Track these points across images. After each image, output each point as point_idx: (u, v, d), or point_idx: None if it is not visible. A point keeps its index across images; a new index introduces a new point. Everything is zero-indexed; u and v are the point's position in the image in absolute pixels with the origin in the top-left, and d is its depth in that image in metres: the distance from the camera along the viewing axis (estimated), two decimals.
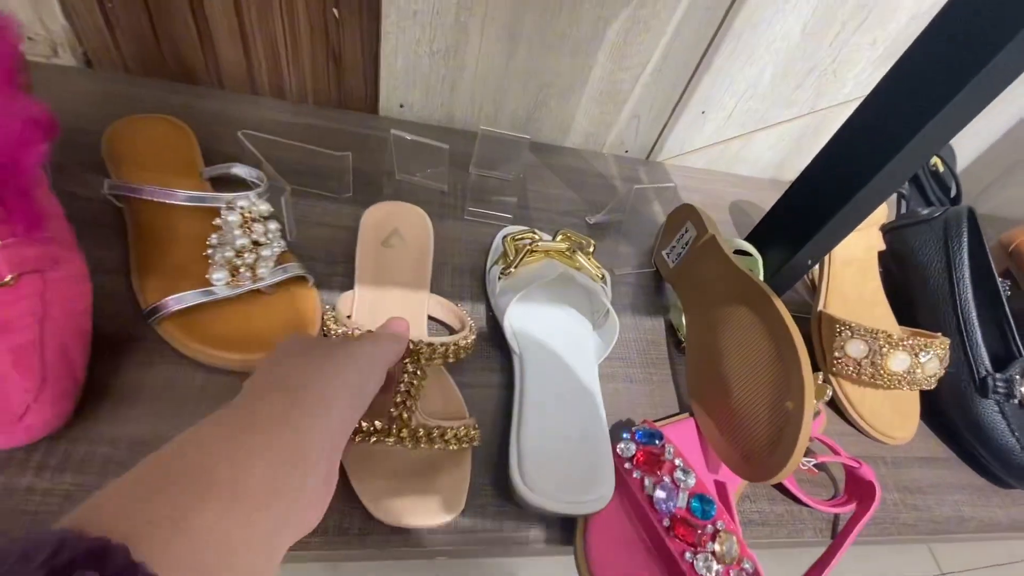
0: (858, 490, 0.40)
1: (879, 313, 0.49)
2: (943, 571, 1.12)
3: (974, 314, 0.47)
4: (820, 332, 0.48)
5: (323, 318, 0.38)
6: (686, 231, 0.49)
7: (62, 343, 0.30)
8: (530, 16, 0.53)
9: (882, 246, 0.53)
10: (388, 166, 0.54)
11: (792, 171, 0.75)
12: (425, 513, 0.31)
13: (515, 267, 0.43)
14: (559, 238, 0.46)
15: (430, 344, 0.34)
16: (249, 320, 0.37)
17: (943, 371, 0.45)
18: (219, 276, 0.36)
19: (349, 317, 0.39)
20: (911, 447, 0.48)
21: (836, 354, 0.46)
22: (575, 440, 0.36)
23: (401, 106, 0.61)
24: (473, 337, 0.37)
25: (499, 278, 0.44)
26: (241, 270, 0.37)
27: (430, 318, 0.42)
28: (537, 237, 0.46)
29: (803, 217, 0.45)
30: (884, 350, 0.44)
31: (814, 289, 0.53)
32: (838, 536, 0.39)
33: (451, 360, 0.35)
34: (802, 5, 0.56)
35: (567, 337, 0.43)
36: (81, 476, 0.30)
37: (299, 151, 0.47)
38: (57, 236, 0.32)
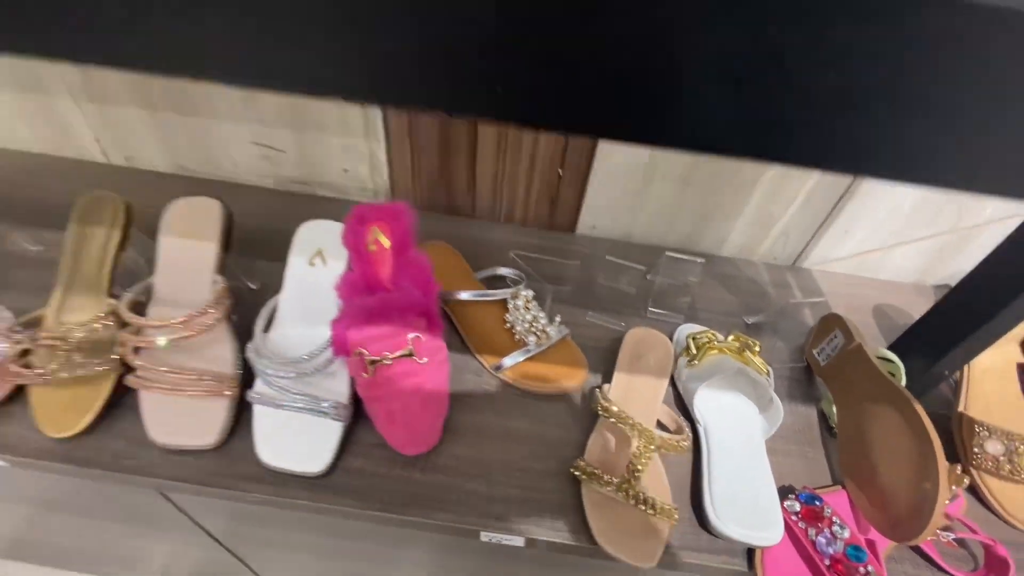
0: (995, 565, 0.49)
1: (1017, 417, 0.57)
2: None
3: None
4: (961, 430, 0.58)
5: (597, 394, 0.56)
6: (835, 336, 0.62)
7: (442, 392, 0.52)
8: (701, 169, 0.72)
9: (1020, 358, 0.61)
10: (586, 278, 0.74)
11: (934, 277, 0.83)
12: (632, 555, 0.47)
13: (699, 360, 0.60)
14: (731, 338, 0.62)
15: (661, 436, 0.51)
16: (550, 362, 0.58)
17: None
18: (531, 340, 0.57)
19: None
20: None
21: (975, 450, 0.55)
22: (751, 491, 0.51)
23: (593, 227, 0.82)
24: (688, 443, 0.53)
25: (685, 367, 0.60)
26: (538, 335, 0.59)
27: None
28: (713, 336, 0.62)
29: (947, 330, 0.56)
30: (1021, 449, 0.53)
31: (957, 390, 0.62)
32: None
33: (665, 451, 0.52)
34: None
35: (739, 416, 0.58)
36: (439, 475, 0.51)
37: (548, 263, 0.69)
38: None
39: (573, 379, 0.59)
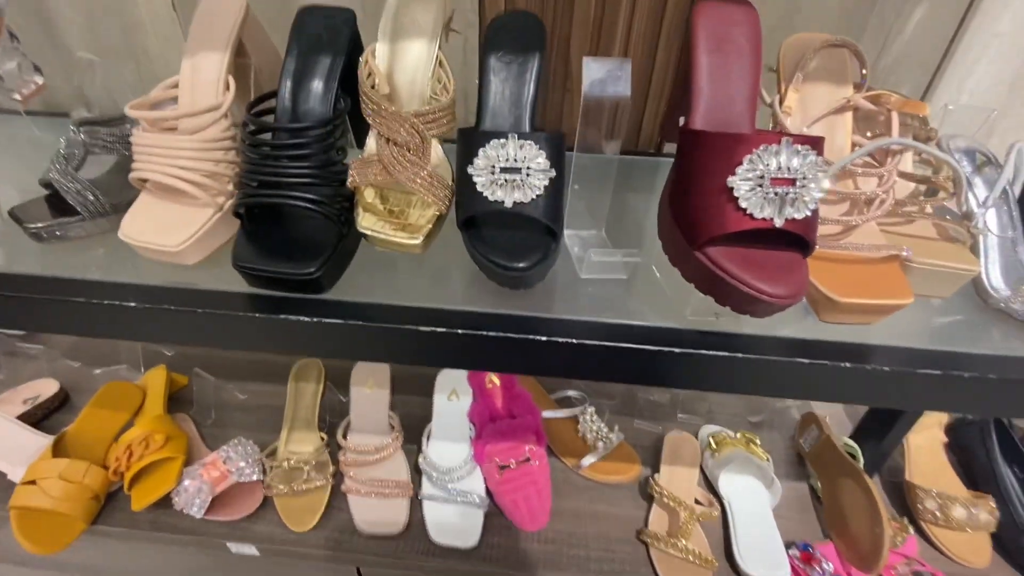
0: None
1: (947, 480, 0.82)
2: None
3: (1008, 481, 0.78)
4: (909, 493, 0.82)
5: (652, 482, 0.82)
6: (813, 430, 0.88)
7: (548, 485, 0.78)
8: None
9: (943, 439, 0.86)
10: None
11: None
12: None
13: (719, 453, 0.86)
14: (738, 435, 0.88)
15: (701, 510, 0.76)
16: (614, 460, 0.83)
17: (995, 521, 0.76)
18: (600, 445, 0.83)
19: None
20: (986, 571, 0.76)
21: (919, 507, 0.79)
22: (766, 544, 0.74)
23: None
24: (717, 513, 0.78)
25: (710, 459, 0.86)
26: (604, 441, 0.85)
27: None
28: (728, 435, 0.88)
29: (881, 422, 0.82)
30: (948, 504, 0.77)
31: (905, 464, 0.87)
32: None
33: (703, 520, 0.77)
34: None
35: (752, 492, 0.82)
36: (551, 545, 0.76)
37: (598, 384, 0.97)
38: None
39: (631, 472, 0.85)
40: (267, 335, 0.48)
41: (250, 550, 0.76)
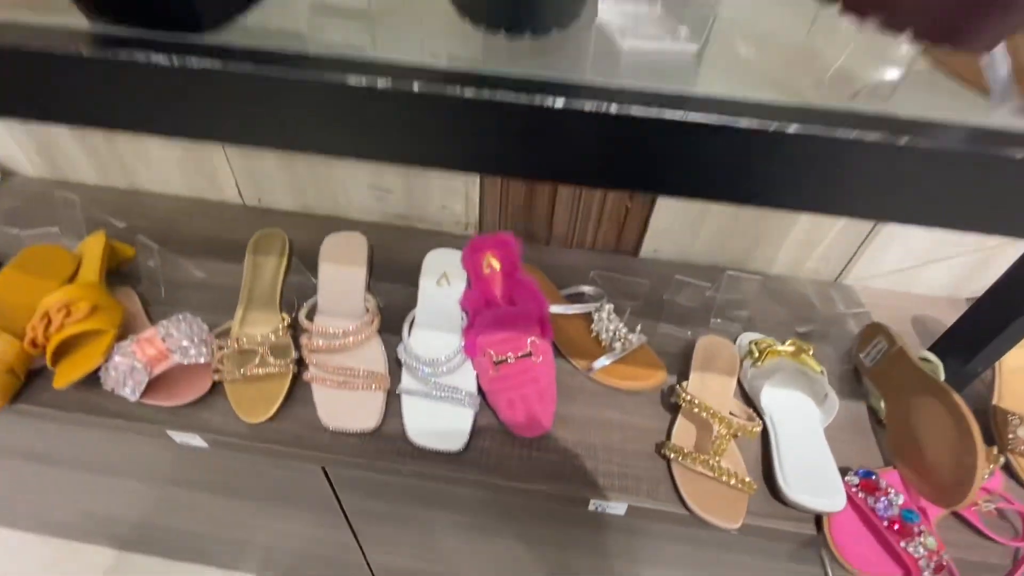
0: None
1: None
2: None
3: None
4: (996, 420, 0.67)
5: (679, 389, 0.68)
6: (879, 342, 0.72)
7: (552, 386, 0.64)
8: None
9: None
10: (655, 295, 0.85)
11: (964, 291, 0.92)
12: (721, 518, 0.57)
13: (761, 362, 0.71)
14: (788, 343, 0.73)
15: (739, 422, 0.61)
16: (633, 364, 0.70)
17: None
18: (617, 345, 0.69)
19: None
20: None
21: (1010, 436, 0.64)
22: (816, 467, 0.61)
23: (655, 251, 0.94)
24: (759, 429, 0.63)
25: (750, 368, 0.71)
26: (622, 341, 0.70)
27: None
28: (772, 342, 0.73)
29: (978, 333, 0.66)
30: None
31: (991, 387, 0.71)
32: (1017, 562, 0.57)
33: (741, 436, 0.62)
34: None
35: (800, 408, 0.68)
36: (552, 455, 0.63)
37: (621, 281, 0.81)
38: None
39: (653, 378, 0.70)
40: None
41: (196, 441, 0.64)
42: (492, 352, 0.63)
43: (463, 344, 0.65)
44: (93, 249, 0.75)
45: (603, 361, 0.70)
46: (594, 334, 0.74)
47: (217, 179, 0.96)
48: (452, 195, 0.91)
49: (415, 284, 0.76)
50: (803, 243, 0.88)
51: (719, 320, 0.82)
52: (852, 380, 0.76)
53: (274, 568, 1.11)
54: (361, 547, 0.88)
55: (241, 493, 0.82)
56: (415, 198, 0.93)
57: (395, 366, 0.68)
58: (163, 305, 0.77)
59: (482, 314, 0.64)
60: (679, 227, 0.89)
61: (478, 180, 0.88)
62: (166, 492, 0.88)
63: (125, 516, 1.01)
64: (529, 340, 0.63)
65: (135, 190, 1.00)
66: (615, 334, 0.73)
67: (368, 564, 0.94)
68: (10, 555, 1.15)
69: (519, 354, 0.63)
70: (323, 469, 0.69)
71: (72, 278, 0.73)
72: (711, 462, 0.59)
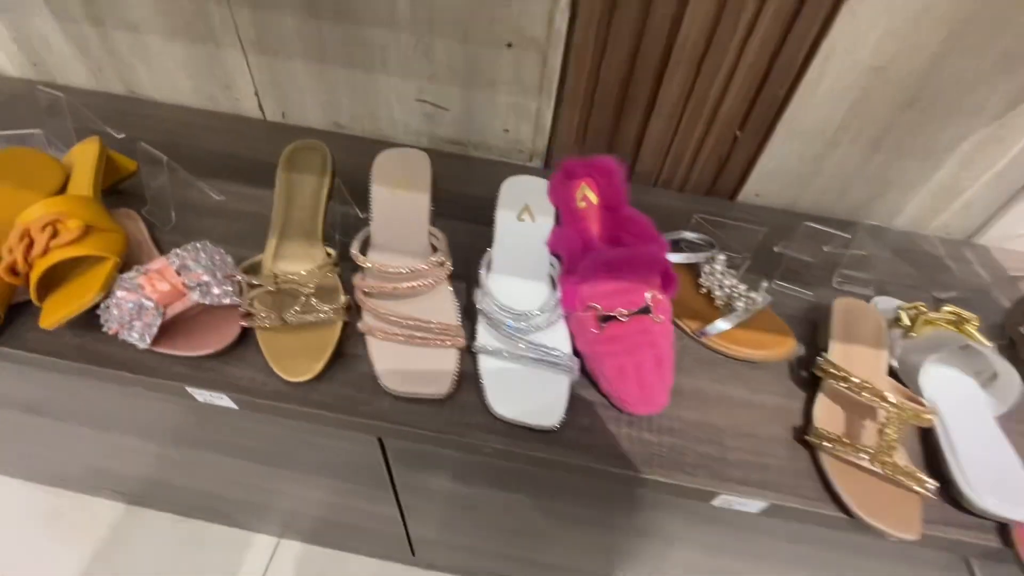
0: None
1: None
2: None
3: None
4: None
5: (821, 362, 0.54)
6: None
7: (671, 353, 0.51)
8: (897, 132, 0.68)
9: None
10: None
11: None
12: (893, 525, 0.45)
13: (915, 333, 0.57)
14: (945, 310, 0.59)
15: (912, 407, 0.48)
16: (756, 329, 0.56)
17: None
18: (739, 305, 0.55)
19: None
20: None
21: None
22: (999, 466, 0.48)
23: (757, 195, 0.79)
24: (932, 416, 0.49)
25: (901, 340, 0.58)
26: (742, 300, 0.56)
27: None
28: (925, 309, 0.59)
29: None
30: None
31: None
32: None
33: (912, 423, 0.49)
34: None
35: (965, 391, 0.55)
36: (669, 437, 0.50)
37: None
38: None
39: (782, 347, 0.57)
40: None
41: (223, 401, 0.51)
42: (599, 306, 0.49)
43: (559, 294, 0.51)
44: (86, 157, 0.60)
45: (722, 324, 0.56)
46: (704, 290, 0.60)
47: (233, 86, 0.79)
48: (520, 115, 0.75)
49: (475, 220, 0.61)
50: (943, 190, 0.73)
51: (843, 282, 0.68)
52: (1011, 358, 0.62)
53: (296, 532, 1.02)
54: (405, 521, 0.78)
55: (271, 458, 0.70)
56: (474, 118, 0.77)
57: (466, 320, 0.55)
58: (173, 232, 0.63)
59: (588, 258, 0.50)
60: (794, 167, 0.74)
61: (554, 96, 0.72)
62: (182, 453, 0.76)
63: (134, 473, 0.90)
64: (649, 294, 0.49)
65: (134, 96, 0.84)
66: (732, 291, 0.59)
67: (408, 537, 0.84)
68: (10, 503, 1.06)
69: (633, 309, 0.49)
70: (379, 440, 0.57)
71: (60, 192, 0.58)
72: (883, 456, 0.46)
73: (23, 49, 0.81)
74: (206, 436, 0.69)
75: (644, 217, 0.54)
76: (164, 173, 0.61)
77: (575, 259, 0.52)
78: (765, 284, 0.60)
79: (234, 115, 0.83)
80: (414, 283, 0.51)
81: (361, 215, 0.64)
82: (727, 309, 0.59)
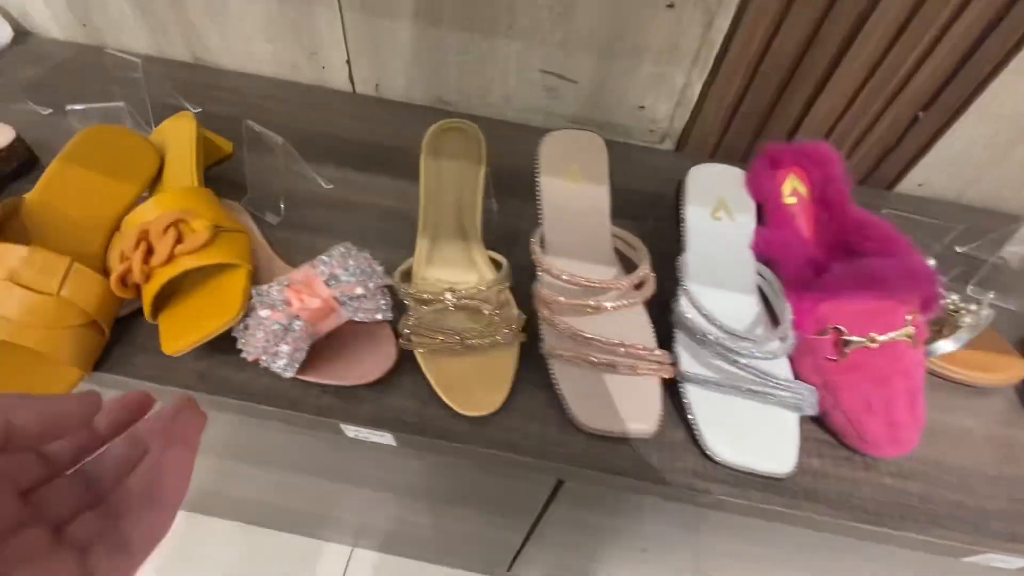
0: None
1: None
2: None
3: None
4: None
5: None
6: None
7: (922, 389, 0.43)
8: None
9: None
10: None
11: None
12: None
13: None
14: None
15: None
16: (978, 348, 0.48)
17: None
18: (965, 322, 0.47)
19: None
20: None
21: None
22: None
23: (920, 184, 0.70)
24: None
25: None
26: (969, 316, 0.48)
27: None
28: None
29: None
30: None
31: None
32: None
33: None
34: None
35: None
36: (912, 482, 0.42)
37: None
38: None
39: (1013, 369, 0.49)
40: None
41: (383, 439, 0.43)
42: (844, 328, 0.41)
43: (790, 312, 0.43)
44: (181, 137, 0.50)
45: (948, 345, 0.48)
46: None
47: (321, 52, 0.68)
48: (662, 89, 0.65)
49: (619, 215, 0.52)
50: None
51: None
52: None
53: (372, 541, 0.95)
54: (524, 544, 0.71)
55: (408, 490, 0.62)
56: (606, 92, 0.67)
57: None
58: (281, 230, 0.53)
59: (836, 270, 0.41)
60: (977, 154, 0.65)
61: (709, 68, 0.62)
62: (299, 479, 0.67)
63: (242, 495, 0.82)
64: (909, 316, 0.41)
65: (200, 63, 0.73)
66: (955, 305, 0.50)
67: (517, 555, 0.78)
68: None
69: (890, 335, 0.40)
70: (559, 481, 0.48)
71: (155, 181, 0.48)
72: None
73: (72, 6, 0.69)
74: (340, 468, 0.61)
75: (880, 220, 0.45)
76: (277, 157, 0.51)
77: (799, 269, 0.43)
78: (991, 295, 0.51)
79: (318, 86, 0.72)
80: (615, 303, 0.42)
81: (495, 206, 0.55)
82: (945, 325, 0.50)
